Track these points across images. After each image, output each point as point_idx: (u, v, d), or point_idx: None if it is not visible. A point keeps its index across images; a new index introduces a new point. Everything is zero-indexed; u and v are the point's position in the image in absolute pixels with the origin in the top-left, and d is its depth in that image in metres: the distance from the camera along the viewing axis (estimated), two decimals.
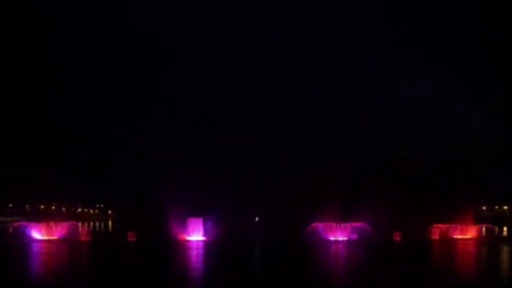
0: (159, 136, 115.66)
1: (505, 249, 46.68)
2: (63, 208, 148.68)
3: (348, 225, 55.06)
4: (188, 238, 53.81)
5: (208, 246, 48.56)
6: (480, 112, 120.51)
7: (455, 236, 57.25)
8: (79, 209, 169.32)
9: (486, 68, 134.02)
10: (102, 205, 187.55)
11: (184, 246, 48.23)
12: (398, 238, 53.59)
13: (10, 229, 64.28)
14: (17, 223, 64.68)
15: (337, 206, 56.82)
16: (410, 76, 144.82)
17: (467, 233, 58.07)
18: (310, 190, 58.98)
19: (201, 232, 54.75)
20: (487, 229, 66.64)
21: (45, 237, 54.96)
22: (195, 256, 41.02)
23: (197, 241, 52.65)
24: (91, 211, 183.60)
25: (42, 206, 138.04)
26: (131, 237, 53.34)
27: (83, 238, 55.22)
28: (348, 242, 51.84)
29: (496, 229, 74.93)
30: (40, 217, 70.80)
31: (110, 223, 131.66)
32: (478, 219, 69.30)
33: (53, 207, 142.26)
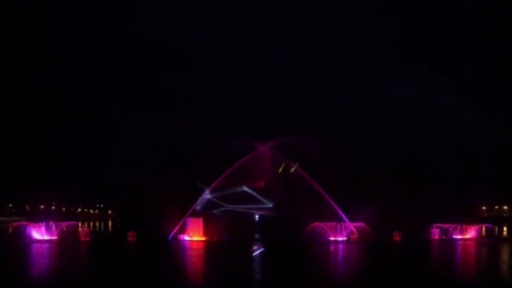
0: (159, 136, 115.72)
1: (505, 249, 46.66)
2: (63, 208, 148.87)
3: (348, 225, 55.06)
4: (188, 238, 53.78)
5: (208, 246, 48.56)
6: (480, 112, 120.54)
7: (455, 236, 57.23)
8: (79, 209, 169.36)
9: (487, 68, 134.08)
10: (102, 205, 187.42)
11: (184, 246, 48.24)
12: (398, 238, 53.57)
13: (10, 229, 64.27)
14: (17, 223, 64.65)
15: (337, 206, 56.82)
16: (411, 76, 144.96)
17: (467, 233, 58.06)
18: (310, 190, 58.91)
19: (201, 232, 54.73)
20: (487, 229, 66.60)
21: (45, 237, 54.92)
22: (195, 257, 41.02)
23: (197, 241, 52.63)
24: (91, 211, 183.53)
25: (42, 206, 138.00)
26: (131, 237, 53.30)
27: (83, 238, 55.16)
28: (348, 242, 51.85)
29: (496, 229, 74.90)
30: (40, 217, 70.69)
31: (110, 223, 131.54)
32: (478, 219, 69.27)
33: (53, 207, 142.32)
